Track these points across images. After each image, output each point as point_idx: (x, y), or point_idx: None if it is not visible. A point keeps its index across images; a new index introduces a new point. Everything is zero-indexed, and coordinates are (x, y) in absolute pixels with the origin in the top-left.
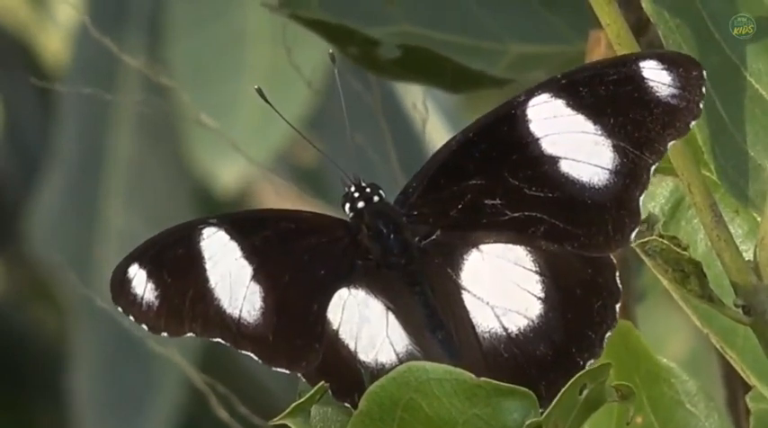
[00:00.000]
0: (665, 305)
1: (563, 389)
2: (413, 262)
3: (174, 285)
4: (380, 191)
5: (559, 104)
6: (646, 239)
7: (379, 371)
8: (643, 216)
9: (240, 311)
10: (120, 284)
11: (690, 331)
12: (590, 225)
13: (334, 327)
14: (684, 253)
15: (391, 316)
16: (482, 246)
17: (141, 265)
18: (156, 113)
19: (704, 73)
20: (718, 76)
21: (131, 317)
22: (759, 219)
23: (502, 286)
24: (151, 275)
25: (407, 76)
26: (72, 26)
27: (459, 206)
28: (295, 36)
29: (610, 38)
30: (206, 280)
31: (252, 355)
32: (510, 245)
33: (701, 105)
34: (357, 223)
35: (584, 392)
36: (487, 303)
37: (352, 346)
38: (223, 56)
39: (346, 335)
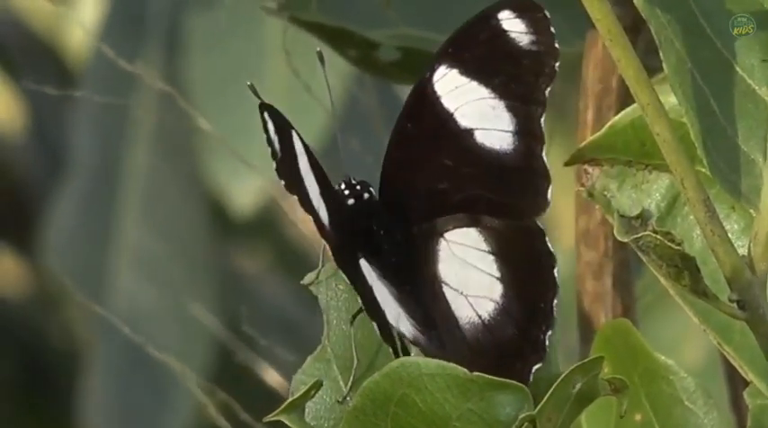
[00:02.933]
0: (680, 307)
1: (555, 383)
2: (401, 259)
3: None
4: (371, 189)
5: (455, 74)
6: (639, 235)
7: (401, 338)
8: (637, 211)
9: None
10: None
11: (694, 331)
12: (514, 192)
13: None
14: (678, 248)
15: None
16: (446, 235)
17: None
18: (173, 127)
19: (546, 12)
20: (710, 71)
21: None
22: (754, 215)
23: (468, 272)
24: None
25: (407, 79)
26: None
27: (421, 197)
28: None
29: (600, 33)
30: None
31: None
32: (465, 229)
33: (557, 44)
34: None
35: (577, 386)
36: (461, 293)
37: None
38: (241, 71)
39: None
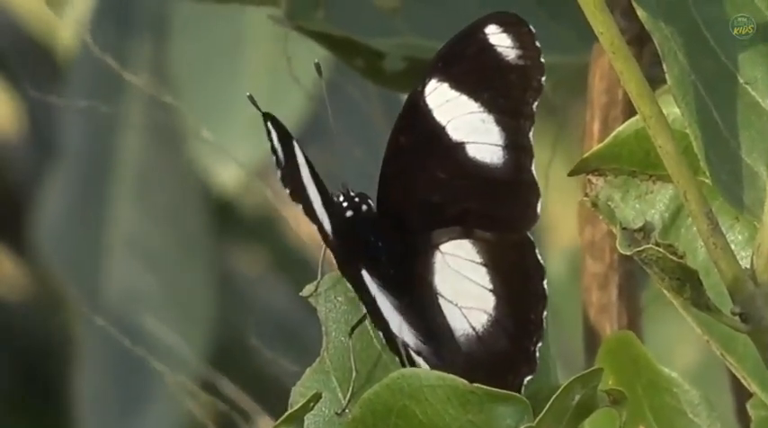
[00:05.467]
0: (675, 314)
1: (555, 395)
2: (400, 271)
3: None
4: (369, 201)
5: (445, 88)
6: (642, 247)
7: (406, 347)
8: (640, 224)
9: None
10: None
11: (701, 340)
12: (505, 205)
13: (372, 294)
14: (681, 261)
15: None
16: (441, 247)
17: None
18: (162, 117)
19: (531, 27)
20: (713, 83)
21: None
22: (758, 226)
23: (462, 284)
24: None
25: (413, 88)
26: (81, 27)
27: (417, 209)
28: (296, 42)
29: (604, 46)
30: None
31: None
32: (459, 241)
33: (542, 59)
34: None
35: (577, 397)
36: (456, 304)
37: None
38: (222, 59)
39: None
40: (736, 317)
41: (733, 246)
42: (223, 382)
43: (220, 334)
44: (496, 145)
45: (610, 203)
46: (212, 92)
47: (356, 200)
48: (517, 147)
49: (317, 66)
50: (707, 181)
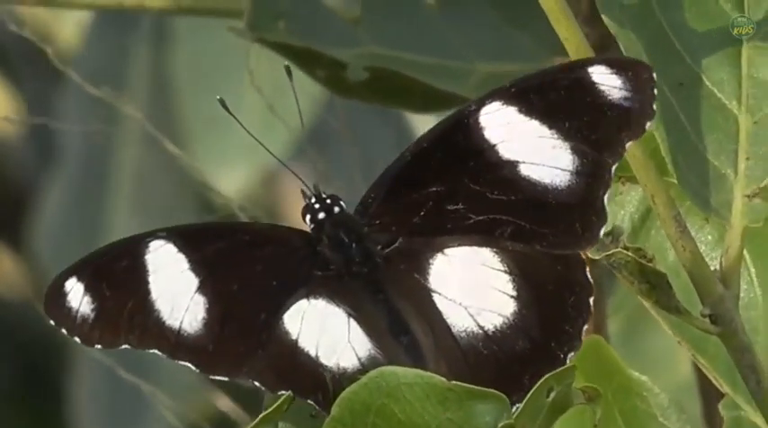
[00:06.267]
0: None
1: (529, 393)
2: (376, 270)
3: (114, 298)
4: (341, 202)
5: (512, 111)
6: (610, 252)
7: (341, 375)
8: (609, 227)
9: (181, 322)
10: (55, 298)
11: None
12: (557, 224)
13: (293, 337)
14: (649, 264)
15: (353, 323)
16: (447, 250)
17: (79, 279)
18: (160, 120)
19: (654, 74)
20: (680, 87)
21: (63, 330)
22: (727, 228)
23: (472, 287)
24: (89, 288)
25: (376, 99)
26: (82, 28)
27: (421, 213)
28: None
29: (569, 52)
30: (147, 292)
31: (189, 365)
32: (475, 248)
33: (654, 106)
34: (318, 234)
35: (552, 395)
36: (460, 303)
37: (313, 353)
38: (225, 60)
39: (306, 343)
40: (706, 319)
41: (703, 248)
42: (216, 394)
43: None
44: (563, 169)
45: None
46: (211, 102)
47: (328, 202)
48: (591, 176)
49: (287, 69)
50: (675, 182)
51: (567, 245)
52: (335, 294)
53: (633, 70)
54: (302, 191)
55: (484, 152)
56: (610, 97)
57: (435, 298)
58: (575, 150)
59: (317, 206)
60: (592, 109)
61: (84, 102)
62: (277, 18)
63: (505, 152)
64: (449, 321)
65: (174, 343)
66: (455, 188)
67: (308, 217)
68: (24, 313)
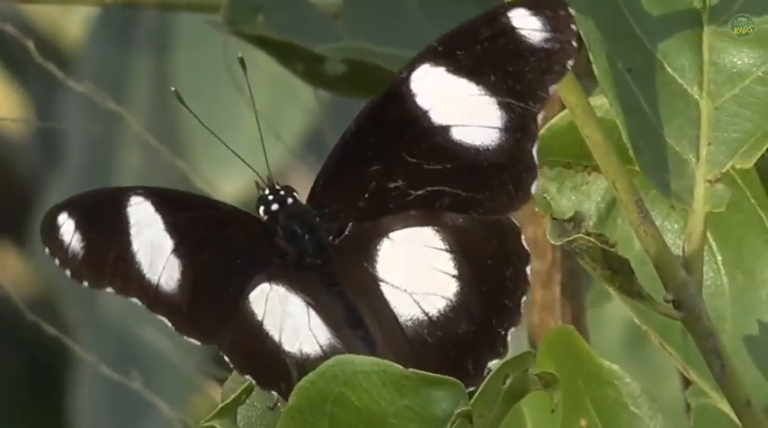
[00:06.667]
0: None
1: (485, 380)
2: (329, 261)
3: (100, 241)
4: (295, 194)
5: (440, 72)
6: (572, 237)
7: (303, 361)
8: (571, 213)
9: (159, 279)
10: (50, 229)
11: None
12: (491, 187)
13: (259, 318)
14: (611, 249)
15: (312, 312)
16: (392, 234)
17: (70, 216)
18: (161, 123)
19: (572, 11)
20: (641, 72)
21: (57, 261)
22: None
23: (416, 271)
24: (78, 227)
25: (355, 92)
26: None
27: (366, 195)
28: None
29: None
30: (129, 243)
31: (166, 321)
32: (418, 228)
33: (575, 43)
34: (272, 225)
35: (508, 381)
36: (405, 290)
37: (276, 337)
38: (222, 72)
39: (270, 327)
40: (669, 305)
41: (669, 235)
42: (217, 393)
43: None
44: (492, 127)
45: (546, 196)
46: (213, 105)
47: (282, 193)
48: (519, 130)
49: (241, 61)
50: (639, 171)
51: (503, 207)
52: (294, 282)
53: (550, 8)
54: (256, 183)
55: (418, 120)
56: (531, 41)
57: (383, 287)
58: (502, 104)
59: (270, 197)
60: (515, 56)
61: (88, 103)
62: (256, 12)
63: (437, 117)
64: (396, 311)
65: (153, 297)
66: (394, 164)
67: (261, 208)
68: (30, 312)
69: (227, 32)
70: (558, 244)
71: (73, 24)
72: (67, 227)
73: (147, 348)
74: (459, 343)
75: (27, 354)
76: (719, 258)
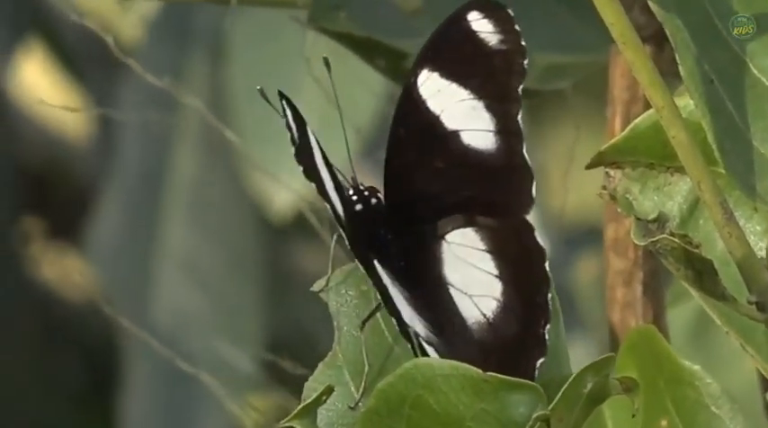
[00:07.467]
0: None
1: (566, 383)
2: (409, 263)
3: None
4: (378, 195)
5: (436, 77)
6: (656, 238)
7: (417, 337)
8: (655, 213)
9: None
10: None
11: None
12: (501, 190)
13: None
14: (696, 251)
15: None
16: (447, 237)
17: None
18: (217, 134)
19: (509, 11)
20: (726, 74)
21: None
22: None
23: (470, 273)
24: None
25: None
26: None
27: (421, 200)
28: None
29: (614, 37)
30: None
31: None
32: (462, 230)
33: (523, 42)
34: (356, 226)
35: (589, 385)
36: (466, 293)
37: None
38: (280, 75)
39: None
40: (753, 306)
41: (752, 237)
42: (274, 387)
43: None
44: (489, 131)
45: (628, 196)
46: (268, 112)
47: (366, 193)
48: (508, 132)
49: (325, 61)
50: (723, 172)
51: (515, 210)
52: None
53: (493, 10)
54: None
55: (435, 125)
56: (489, 42)
57: (451, 291)
58: (488, 107)
59: (354, 197)
60: (482, 58)
61: (145, 95)
62: (338, 8)
63: (448, 122)
64: (463, 315)
65: None
66: (429, 169)
67: (344, 209)
68: (89, 314)
69: (312, 29)
70: (643, 244)
71: (127, 23)
72: None
73: (199, 349)
74: (512, 342)
75: (83, 355)
76: None
